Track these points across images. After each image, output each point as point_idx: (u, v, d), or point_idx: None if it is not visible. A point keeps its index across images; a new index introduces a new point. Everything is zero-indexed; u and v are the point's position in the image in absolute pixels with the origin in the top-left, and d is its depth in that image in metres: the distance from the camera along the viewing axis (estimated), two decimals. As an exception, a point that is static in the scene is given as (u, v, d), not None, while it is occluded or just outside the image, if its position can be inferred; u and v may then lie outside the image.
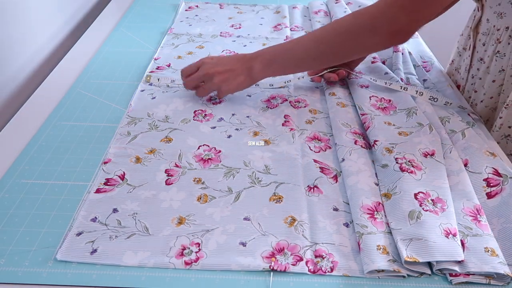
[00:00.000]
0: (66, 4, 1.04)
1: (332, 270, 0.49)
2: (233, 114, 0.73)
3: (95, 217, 0.54)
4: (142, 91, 0.79)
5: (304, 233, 0.53)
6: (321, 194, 0.58)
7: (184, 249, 0.51)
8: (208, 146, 0.66)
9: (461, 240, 0.50)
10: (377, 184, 0.59)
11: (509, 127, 0.71)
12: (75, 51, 0.93)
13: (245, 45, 0.95)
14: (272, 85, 0.80)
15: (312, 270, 0.49)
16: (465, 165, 0.60)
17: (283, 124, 0.71)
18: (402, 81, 0.78)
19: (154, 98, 0.77)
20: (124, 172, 0.61)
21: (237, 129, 0.70)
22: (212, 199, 0.57)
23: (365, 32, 0.66)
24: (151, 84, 0.81)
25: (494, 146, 0.66)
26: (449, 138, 0.65)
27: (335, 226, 0.54)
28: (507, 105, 0.69)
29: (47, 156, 0.64)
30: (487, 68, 0.74)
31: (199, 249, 0.51)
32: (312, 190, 0.59)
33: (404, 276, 0.48)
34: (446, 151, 0.62)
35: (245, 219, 0.55)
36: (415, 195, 0.54)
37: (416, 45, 0.96)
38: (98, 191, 0.58)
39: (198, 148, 0.66)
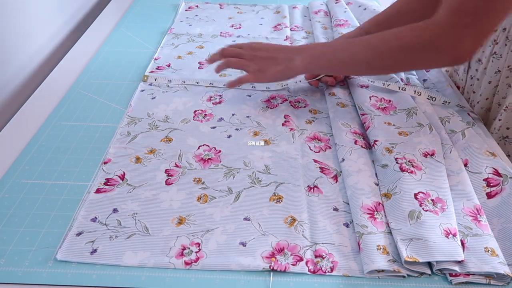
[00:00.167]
0: (66, 4, 1.04)
1: (332, 270, 0.49)
2: (233, 114, 0.73)
3: (95, 217, 0.54)
4: (142, 91, 0.79)
5: (304, 233, 0.53)
6: (321, 194, 0.58)
7: (184, 249, 0.51)
8: (208, 146, 0.66)
9: (461, 240, 0.50)
10: (377, 184, 0.59)
11: (507, 128, 0.71)
12: (75, 51, 0.93)
13: (245, 45, 0.95)
14: (269, 88, 0.80)
15: (312, 270, 0.49)
16: (465, 165, 0.60)
17: (283, 124, 0.71)
18: (402, 81, 0.78)
19: (154, 98, 0.77)
20: (124, 172, 0.61)
21: (237, 129, 0.70)
22: (212, 199, 0.57)
23: (425, 49, 0.62)
24: (151, 84, 0.81)
25: (494, 146, 0.66)
26: (449, 138, 0.65)
27: (335, 226, 0.54)
28: (507, 107, 0.69)
29: (47, 156, 0.64)
30: (484, 69, 0.74)
31: (199, 249, 0.51)
32: (312, 190, 0.59)
33: (404, 276, 0.48)
34: (446, 151, 0.62)
35: (245, 219, 0.55)
36: (415, 195, 0.54)
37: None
38: (98, 191, 0.58)
39: (198, 148, 0.66)
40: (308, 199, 0.58)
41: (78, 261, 0.49)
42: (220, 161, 0.64)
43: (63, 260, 0.49)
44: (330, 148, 0.67)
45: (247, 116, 0.73)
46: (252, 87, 0.80)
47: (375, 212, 0.54)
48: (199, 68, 0.87)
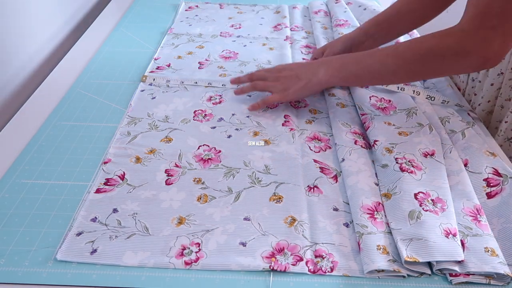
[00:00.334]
0: (66, 4, 1.04)
1: (332, 270, 0.49)
2: (233, 114, 0.73)
3: (95, 217, 0.54)
4: (142, 91, 0.79)
5: (304, 233, 0.53)
6: (321, 194, 0.58)
7: (184, 249, 0.51)
8: (208, 146, 0.66)
9: (461, 240, 0.50)
10: (377, 184, 0.59)
11: None
12: (75, 51, 0.93)
13: (245, 45, 0.95)
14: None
15: (312, 270, 0.49)
16: (465, 165, 0.60)
17: (283, 124, 0.71)
18: (402, 81, 0.78)
19: (154, 98, 0.77)
20: (124, 172, 0.61)
21: (237, 129, 0.70)
22: (212, 199, 0.57)
23: (454, 55, 0.61)
24: (151, 84, 0.81)
25: (494, 146, 0.66)
26: (449, 138, 0.65)
27: (335, 226, 0.54)
28: None
29: (47, 156, 0.64)
30: (486, 71, 0.74)
31: (199, 249, 0.51)
32: (312, 190, 0.59)
33: (404, 276, 0.48)
34: (446, 151, 0.62)
35: (245, 219, 0.55)
36: (415, 195, 0.54)
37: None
38: (98, 191, 0.58)
39: (198, 148, 0.66)
40: (308, 199, 0.58)
41: (78, 261, 0.49)
42: (220, 161, 0.64)
43: (63, 260, 0.49)
44: (330, 148, 0.67)
45: (247, 116, 0.73)
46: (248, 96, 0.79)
47: (375, 212, 0.54)
48: (199, 68, 0.86)
